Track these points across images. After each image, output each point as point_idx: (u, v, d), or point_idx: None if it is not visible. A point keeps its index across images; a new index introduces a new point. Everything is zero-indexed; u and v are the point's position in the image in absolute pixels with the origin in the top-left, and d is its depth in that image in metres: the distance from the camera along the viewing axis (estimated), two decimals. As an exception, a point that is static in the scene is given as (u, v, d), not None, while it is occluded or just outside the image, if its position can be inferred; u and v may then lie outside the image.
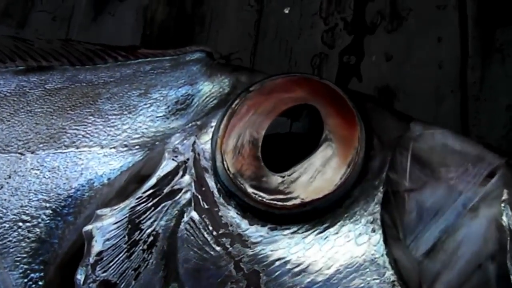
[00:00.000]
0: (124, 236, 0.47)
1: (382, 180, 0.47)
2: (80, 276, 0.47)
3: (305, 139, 0.48)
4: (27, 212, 0.51)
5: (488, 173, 0.47)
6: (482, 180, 0.47)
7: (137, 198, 0.48)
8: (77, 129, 0.54)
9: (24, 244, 0.50)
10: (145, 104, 0.53)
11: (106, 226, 0.48)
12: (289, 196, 0.46)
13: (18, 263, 0.50)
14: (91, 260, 0.47)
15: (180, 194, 0.48)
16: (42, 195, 0.51)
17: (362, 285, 0.45)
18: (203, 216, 0.47)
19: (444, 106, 0.67)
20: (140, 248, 0.47)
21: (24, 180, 0.52)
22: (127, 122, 0.53)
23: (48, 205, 0.51)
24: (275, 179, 0.46)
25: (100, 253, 0.47)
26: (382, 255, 0.45)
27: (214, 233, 0.46)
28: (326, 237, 0.46)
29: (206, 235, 0.46)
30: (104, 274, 0.47)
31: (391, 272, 0.45)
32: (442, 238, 0.46)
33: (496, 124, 0.64)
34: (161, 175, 0.49)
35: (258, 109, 0.47)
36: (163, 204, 0.48)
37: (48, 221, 0.51)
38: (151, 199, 0.48)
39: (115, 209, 0.48)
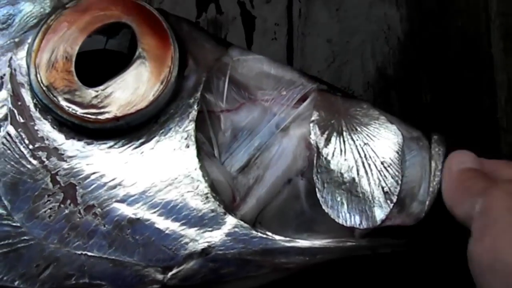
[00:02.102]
0: None
1: (196, 99, 0.49)
2: None
3: (123, 57, 0.50)
4: None
5: (300, 97, 0.51)
6: (295, 103, 0.51)
7: None
8: None
9: None
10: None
11: None
12: (102, 110, 0.47)
13: None
14: None
15: None
16: None
17: (176, 197, 0.47)
18: (19, 130, 0.47)
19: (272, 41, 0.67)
20: None
21: None
22: None
23: None
24: (89, 93, 0.47)
25: None
26: (196, 169, 0.48)
27: (31, 146, 0.47)
28: (142, 152, 0.48)
29: (22, 149, 0.47)
30: None
31: (204, 185, 0.47)
32: (256, 155, 0.50)
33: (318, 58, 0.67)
34: None
35: (72, 25, 0.48)
36: None
37: None
38: (-34, 115, 0.48)
39: None
